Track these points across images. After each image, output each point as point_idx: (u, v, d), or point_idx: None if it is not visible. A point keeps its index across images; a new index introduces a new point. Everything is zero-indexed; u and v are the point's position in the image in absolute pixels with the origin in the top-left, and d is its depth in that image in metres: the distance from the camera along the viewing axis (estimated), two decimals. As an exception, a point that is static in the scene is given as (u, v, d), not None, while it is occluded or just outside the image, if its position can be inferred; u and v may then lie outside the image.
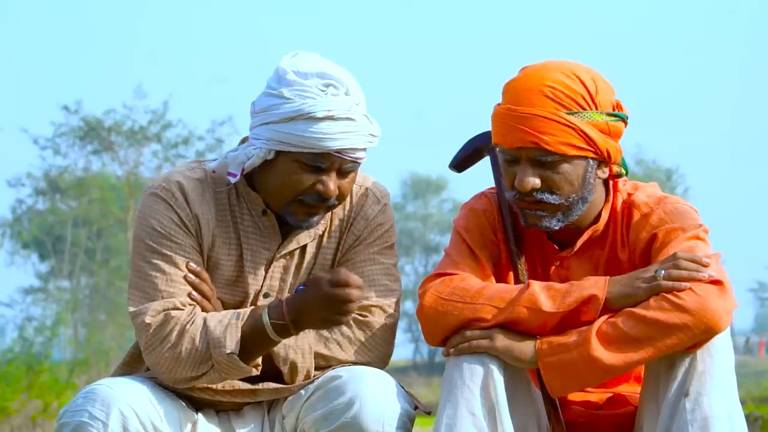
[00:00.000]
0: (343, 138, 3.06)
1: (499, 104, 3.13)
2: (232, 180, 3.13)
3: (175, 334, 3.05)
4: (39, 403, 13.44)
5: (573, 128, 3.06)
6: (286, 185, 3.10)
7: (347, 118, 3.06)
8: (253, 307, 3.13)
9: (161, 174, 3.22)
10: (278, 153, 3.09)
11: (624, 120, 3.14)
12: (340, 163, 3.10)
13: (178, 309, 3.08)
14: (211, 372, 3.06)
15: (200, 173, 3.20)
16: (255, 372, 3.09)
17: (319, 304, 3.00)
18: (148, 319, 3.06)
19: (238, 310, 3.10)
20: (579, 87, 3.08)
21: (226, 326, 3.05)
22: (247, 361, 3.06)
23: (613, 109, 3.12)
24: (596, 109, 3.09)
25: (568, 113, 3.06)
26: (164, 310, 3.07)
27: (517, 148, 3.09)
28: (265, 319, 3.04)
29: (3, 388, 13.31)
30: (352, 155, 3.10)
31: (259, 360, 3.10)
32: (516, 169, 3.11)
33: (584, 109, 3.08)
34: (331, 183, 3.10)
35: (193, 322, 3.06)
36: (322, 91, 3.07)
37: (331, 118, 3.05)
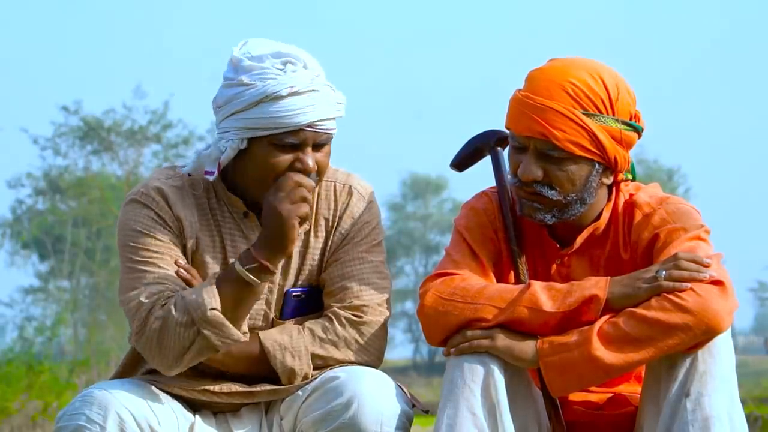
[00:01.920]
0: (310, 110, 3.08)
1: (519, 89, 3.13)
2: (210, 178, 3.14)
3: (160, 312, 3.03)
4: (39, 403, 13.43)
5: (585, 129, 3.06)
6: (265, 170, 3.10)
7: (311, 90, 3.09)
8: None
9: (140, 183, 3.24)
10: (251, 141, 3.10)
11: (638, 131, 3.14)
12: (314, 137, 3.11)
13: (171, 294, 3.08)
14: (199, 340, 3.02)
15: (178, 181, 3.20)
16: (243, 338, 3.08)
17: (271, 200, 3.03)
18: (143, 298, 3.06)
19: (213, 273, 3.11)
20: (601, 90, 3.08)
21: (201, 288, 3.04)
22: (232, 320, 3.04)
23: (630, 119, 3.12)
24: (613, 115, 3.09)
25: (583, 113, 3.06)
26: (159, 293, 3.06)
27: (526, 137, 3.09)
28: (238, 266, 3.04)
29: (3, 388, 13.30)
30: (322, 127, 3.11)
31: (246, 327, 3.11)
32: (522, 157, 3.11)
33: (601, 112, 3.08)
34: (309, 158, 3.11)
35: (173, 299, 3.05)
36: (281, 69, 3.09)
37: (295, 93, 3.07)
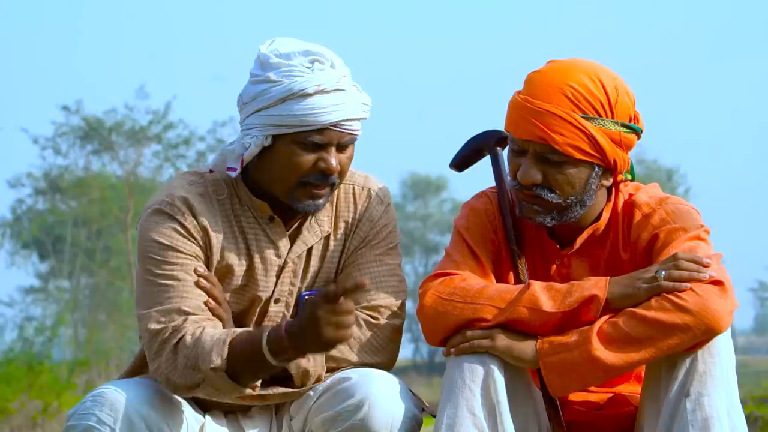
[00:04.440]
0: (336, 110, 3.07)
1: (518, 92, 3.13)
2: (233, 174, 3.12)
3: (176, 341, 3.01)
4: (39, 403, 13.41)
5: (584, 132, 3.06)
6: (288, 169, 3.09)
7: (337, 90, 3.07)
8: (250, 329, 3.04)
9: (162, 190, 3.18)
10: (275, 138, 3.08)
11: (638, 133, 3.14)
12: (338, 137, 3.10)
13: (191, 314, 3.04)
14: (204, 385, 3.00)
15: (201, 187, 3.16)
16: (252, 392, 3.04)
17: (318, 322, 2.87)
18: (154, 325, 3.03)
19: (232, 329, 3.03)
20: (600, 92, 3.07)
21: (215, 341, 2.98)
22: (239, 379, 2.99)
23: (630, 121, 3.12)
24: (612, 117, 3.08)
25: (583, 116, 3.06)
26: (171, 320, 3.02)
27: (525, 140, 3.09)
28: (264, 341, 2.94)
29: (3, 388, 13.28)
30: (348, 127, 3.10)
31: (258, 382, 3.04)
32: (521, 160, 3.11)
33: (600, 115, 3.07)
34: (332, 158, 3.10)
35: (193, 333, 3.01)
36: (308, 67, 3.08)
37: (321, 92, 3.06)
